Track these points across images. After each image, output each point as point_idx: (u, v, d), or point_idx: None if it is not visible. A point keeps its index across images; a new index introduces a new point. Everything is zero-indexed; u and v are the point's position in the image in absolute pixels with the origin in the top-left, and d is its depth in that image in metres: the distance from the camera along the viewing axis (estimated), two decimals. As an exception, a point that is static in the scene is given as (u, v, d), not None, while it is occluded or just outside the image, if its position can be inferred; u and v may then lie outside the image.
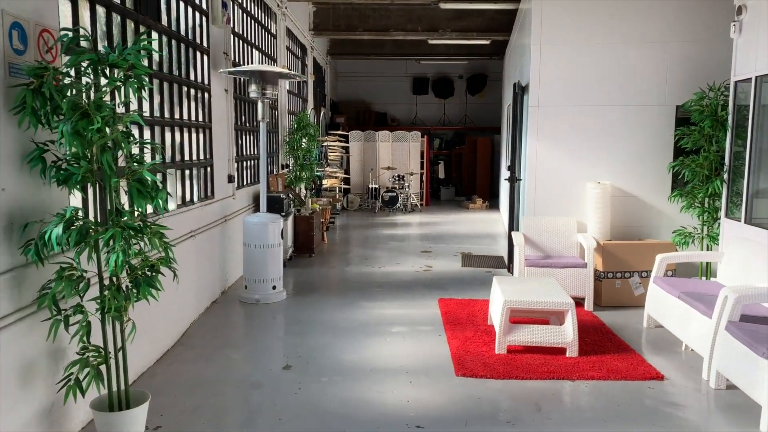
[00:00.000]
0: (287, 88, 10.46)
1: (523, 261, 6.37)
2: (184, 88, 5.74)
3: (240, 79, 7.51)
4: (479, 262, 8.56)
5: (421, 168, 15.42)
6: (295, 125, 10.04)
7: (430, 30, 13.17)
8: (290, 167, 10.28)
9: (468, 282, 7.41)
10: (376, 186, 14.41)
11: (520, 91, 7.37)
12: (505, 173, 12.62)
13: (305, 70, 12.91)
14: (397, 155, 15.21)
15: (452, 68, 18.53)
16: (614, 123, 6.86)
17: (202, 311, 6.04)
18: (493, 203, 15.14)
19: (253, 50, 8.28)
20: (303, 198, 9.71)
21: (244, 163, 7.88)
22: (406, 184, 14.27)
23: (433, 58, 16.70)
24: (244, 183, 7.83)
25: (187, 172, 5.76)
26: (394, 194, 13.95)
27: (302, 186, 10.56)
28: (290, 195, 9.33)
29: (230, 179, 6.95)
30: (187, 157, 5.74)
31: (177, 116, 5.52)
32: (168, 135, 5.29)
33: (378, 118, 18.60)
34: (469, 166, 17.62)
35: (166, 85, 5.26)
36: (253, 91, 6.37)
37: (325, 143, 12.57)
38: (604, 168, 6.92)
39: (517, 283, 5.51)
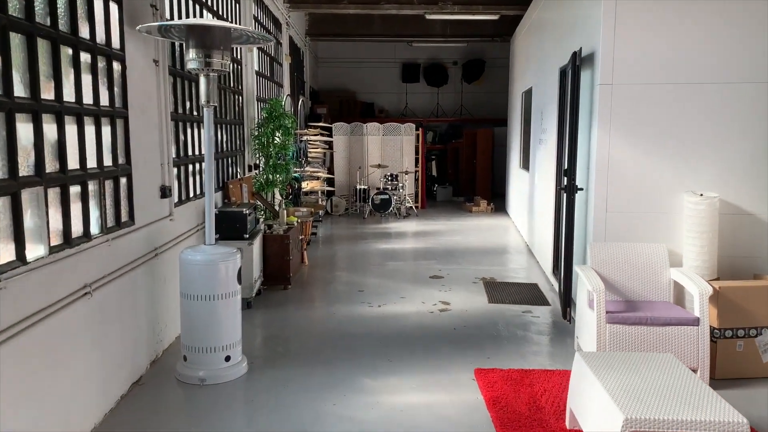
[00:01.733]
0: (255, 67, 8.14)
1: (604, 316, 4.18)
2: (69, 52, 3.43)
3: (181, 47, 5.20)
4: (511, 295, 6.36)
5: (416, 165, 13.20)
6: (266, 114, 7.73)
7: (427, 2, 10.91)
8: (260, 168, 7.97)
9: (509, 333, 5.21)
10: (365, 187, 12.15)
11: (573, 65, 5.14)
12: (516, 169, 10.42)
13: (280, 50, 10.57)
14: (389, 151, 12.94)
15: (446, 53, 16.29)
16: (725, 108, 4.68)
17: (113, 404, 3.77)
18: (498, 205, 12.98)
19: (204, 12, 5.95)
20: (277, 208, 7.43)
21: (192, 166, 5.57)
22: (400, 185, 12.04)
23: (428, 40, 14.44)
24: (191, 195, 5.52)
25: (74, 189, 3.44)
26: (387, 196, 11.71)
27: (275, 192, 8.25)
28: (258, 206, 7.03)
29: (165, 192, 4.66)
30: (73, 165, 3.43)
31: (52, 97, 3.22)
32: (26, 129, 2.98)
33: (364, 108, 16.30)
34: (467, 162, 15.42)
35: (35, 45, 2.95)
36: (191, 60, 4.07)
37: (304, 138, 10.27)
38: (707, 173, 4.74)
39: (626, 372, 3.29)
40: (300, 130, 10.63)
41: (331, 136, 12.64)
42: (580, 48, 4.92)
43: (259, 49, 8.70)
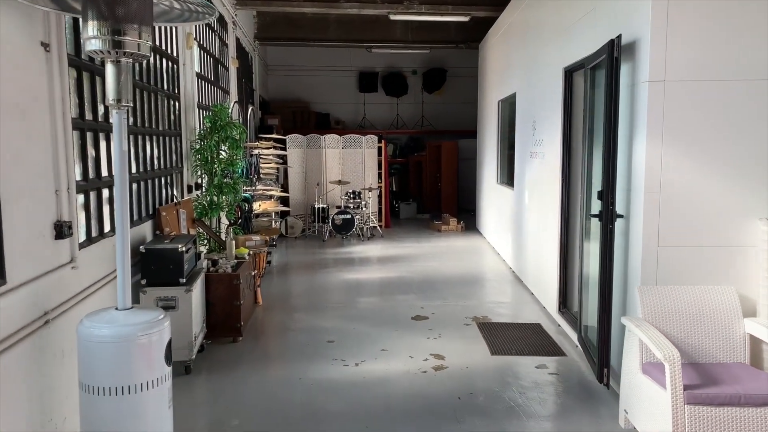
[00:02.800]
0: (196, 68, 6.77)
1: (681, 395, 3.03)
2: None
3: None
4: (515, 342, 5.19)
5: (379, 180, 11.98)
6: (209, 124, 6.37)
7: (392, 1, 9.77)
8: (202, 189, 6.59)
9: (528, 403, 4.01)
10: (324, 206, 10.83)
11: (611, 57, 4.01)
12: (492, 185, 9.33)
13: (226, 52, 9.20)
14: (350, 165, 11.68)
15: (405, 61, 15.21)
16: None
17: None
18: (468, 222, 11.88)
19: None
20: (224, 237, 6.07)
21: (108, 191, 4.16)
22: (363, 203, 10.79)
23: (388, 45, 13.29)
24: (106, 230, 4.11)
25: None
26: (349, 216, 10.43)
27: (222, 217, 6.88)
28: (201, 235, 5.66)
29: (61, 231, 3.26)
30: None
31: None
32: None
33: (319, 119, 15.01)
34: (431, 176, 14.33)
35: None
36: (92, 39, 2.72)
37: (255, 151, 8.92)
38: (787, 195, 3.69)
39: None
40: (250, 142, 9.26)
41: (285, 149, 11.30)
42: (619, 35, 3.80)
43: (201, 48, 7.33)
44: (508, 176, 8.88)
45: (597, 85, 4.49)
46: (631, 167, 3.88)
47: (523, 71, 7.35)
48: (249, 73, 11.84)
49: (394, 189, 14.69)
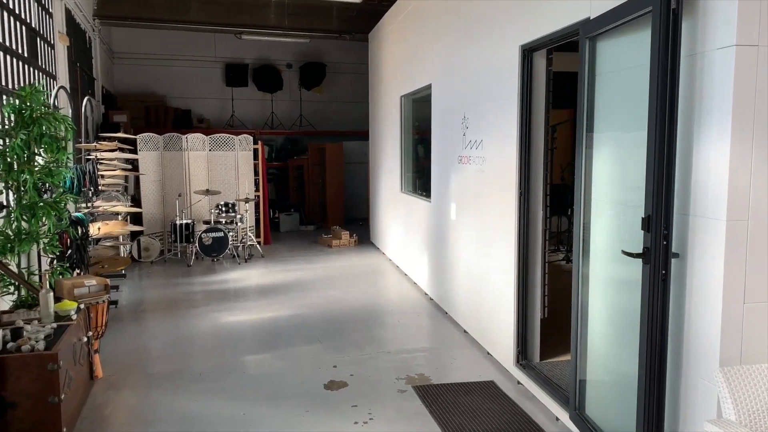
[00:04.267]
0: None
1: None
2: None
3: None
4: (477, 420, 3.74)
5: (256, 188, 10.13)
6: (10, 113, 4.29)
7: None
8: (6, 211, 4.47)
9: None
10: (189, 221, 8.80)
11: (663, 13, 2.63)
12: (394, 194, 7.93)
13: (51, 24, 6.94)
14: (219, 171, 9.71)
15: (279, 53, 13.44)
16: None
17: None
18: (361, 235, 10.39)
19: None
20: (39, 284, 4.04)
21: None
22: (238, 216, 8.90)
23: (261, 32, 11.48)
24: None
25: None
26: (221, 234, 8.51)
27: (38, 252, 4.80)
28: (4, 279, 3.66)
29: None
30: None
31: None
32: None
33: (178, 117, 12.77)
34: (314, 182, 12.68)
35: None
36: None
37: (92, 155, 6.75)
38: None
39: None
40: (86, 143, 7.07)
41: (135, 152, 9.08)
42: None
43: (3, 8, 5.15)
44: (419, 185, 7.50)
45: (605, 61, 3.16)
46: (689, 179, 2.56)
47: (442, 58, 5.98)
48: (87, 57, 9.46)
49: (273, 197, 12.86)
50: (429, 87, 6.43)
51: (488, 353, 4.86)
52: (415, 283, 7.24)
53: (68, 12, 7.88)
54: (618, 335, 3.07)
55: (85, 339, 4.00)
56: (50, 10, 6.98)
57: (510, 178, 4.34)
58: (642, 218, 2.58)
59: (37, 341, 3.33)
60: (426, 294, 6.71)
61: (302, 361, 4.76)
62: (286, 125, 13.69)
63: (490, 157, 4.73)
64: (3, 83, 5.05)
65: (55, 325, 3.63)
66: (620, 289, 3.02)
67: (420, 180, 7.51)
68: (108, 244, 6.99)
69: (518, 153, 4.23)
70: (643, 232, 2.58)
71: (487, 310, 4.86)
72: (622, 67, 3.00)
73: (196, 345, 5.22)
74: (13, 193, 4.33)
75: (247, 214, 9.23)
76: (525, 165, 4.22)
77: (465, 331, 5.41)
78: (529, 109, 4.19)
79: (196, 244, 8.50)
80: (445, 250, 5.93)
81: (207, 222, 8.78)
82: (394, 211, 8.31)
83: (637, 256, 2.62)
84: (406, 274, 7.69)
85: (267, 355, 4.92)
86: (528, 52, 4.14)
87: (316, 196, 12.65)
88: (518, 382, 4.31)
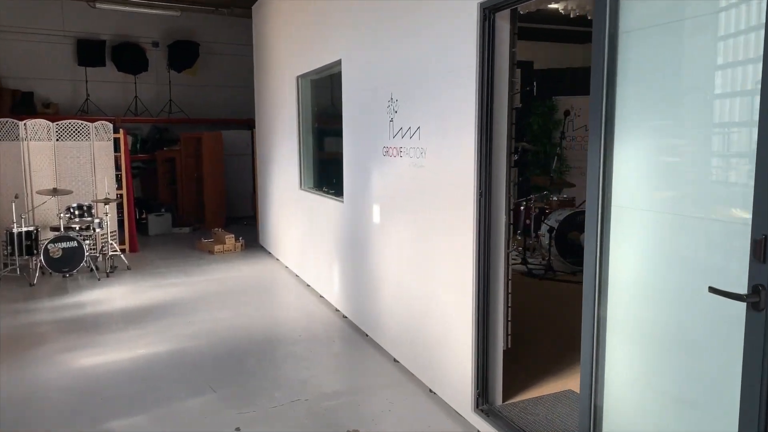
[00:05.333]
0: None
1: None
2: None
3: None
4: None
5: (119, 186, 8.46)
6: None
7: None
8: None
9: None
10: (31, 229, 7.01)
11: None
12: (290, 191, 6.81)
13: None
14: (71, 166, 7.93)
15: (142, 29, 11.65)
16: None
17: None
18: (247, 237, 9.06)
19: None
20: None
21: None
22: (96, 221, 7.26)
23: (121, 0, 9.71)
24: None
25: None
26: (74, 244, 6.85)
27: None
28: None
29: None
30: None
31: None
32: None
33: (18, 100, 10.59)
34: (189, 177, 11.08)
35: None
36: None
37: None
38: None
39: None
40: None
41: (-46, 142, 7.10)
42: None
43: None
44: (325, 181, 6.39)
45: (638, 10, 2.27)
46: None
47: (358, 27, 4.91)
48: None
49: (139, 196, 11.10)
50: (338, 63, 5.33)
51: (431, 391, 3.91)
52: (321, 296, 6.14)
53: None
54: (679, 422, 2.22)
55: None
56: None
57: (464, 175, 3.40)
58: (753, 241, 1.71)
59: None
60: (338, 311, 5.65)
61: (192, 424, 3.51)
62: (153, 112, 11.90)
63: (432, 149, 3.76)
64: None
65: None
66: (671, 344, 2.17)
67: (326, 175, 6.40)
68: None
69: (477, 144, 3.29)
70: (737, 260, 1.72)
71: (430, 339, 3.90)
72: (672, 19, 2.13)
73: (38, 408, 3.77)
74: None
75: (107, 217, 7.59)
76: (486, 159, 3.30)
77: (395, 360, 4.43)
78: (489, 89, 3.26)
79: (41, 257, 6.77)
80: (366, 260, 4.90)
81: (55, 229, 7.06)
82: (292, 210, 7.13)
83: (738, 297, 1.75)
84: (309, 286, 6.57)
85: (141, 418, 3.61)
86: (489, 12, 3.21)
87: (192, 193, 11.07)
88: (480, 434, 3.40)
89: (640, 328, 2.34)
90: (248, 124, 11.19)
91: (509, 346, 3.52)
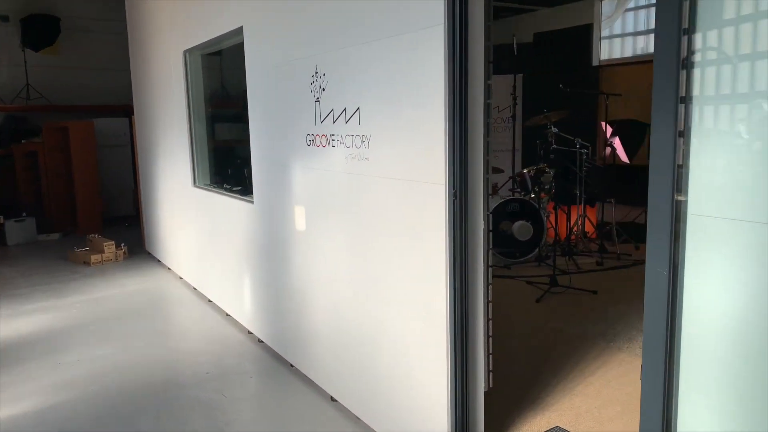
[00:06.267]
0: None
1: None
2: None
3: None
4: None
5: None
6: None
7: None
8: None
9: None
10: None
11: None
12: (181, 188, 5.70)
13: None
14: None
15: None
16: None
17: None
18: (131, 242, 7.71)
19: None
20: None
21: None
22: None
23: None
24: None
25: None
26: None
27: None
28: None
29: None
30: None
31: None
32: None
33: None
34: (54, 174, 9.38)
35: None
36: None
37: None
38: None
39: None
40: None
41: None
42: None
43: None
44: (227, 177, 5.31)
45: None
46: None
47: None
48: None
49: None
50: (239, 32, 4.27)
51: (386, 442, 3.07)
52: (228, 315, 5.09)
53: None
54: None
55: None
56: None
57: (431, 170, 2.55)
58: None
59: None
60: (251, 333, 4.64)
61: None
62: (6, 98, 10.00)
63: (379, 136, 2.87)
64: None
65: None
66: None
67: (229, 171, 5.32)
68: None
69: (449, 126, 2.45)
70: None
71: (382, 376, 3.04)
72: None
73: None
74: None
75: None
76: (462, 147, 2.47)
77: (333, 399, 3.54)
78: (463, 48, 2.42)
79: None
80: (287, 274, 3.94)
81: None
82: (185, 211, 5.96)
83: None
84: (211, 302, 5.47)
85: None
86: (462, -49, 2.36)
87: (61, 193, 9.40)
88: (463, 503, 2.61)
89: (735, 389, 1.62)
90: (126, 110, 9.67)
91: (491, 385, 2.75)
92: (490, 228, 2.62)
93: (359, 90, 2.96)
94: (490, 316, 2.68)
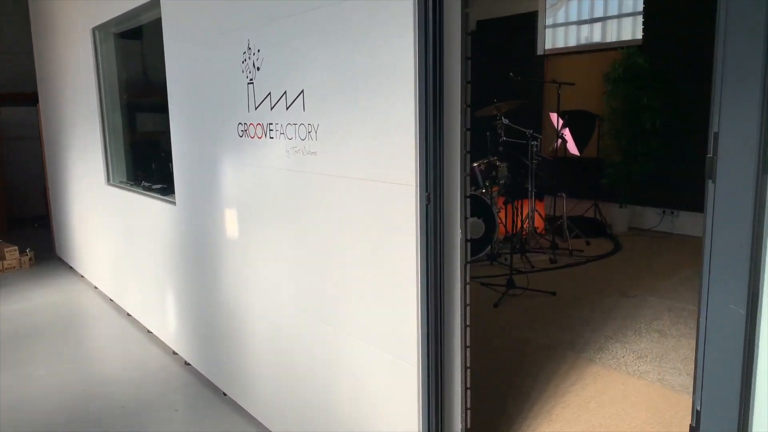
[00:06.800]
0: None
1: None
2: None
3: None
4: None
5: None
6: None
7: None
8: None
9: None
10: None
11: None
12: (91, 182, 4.97)
13: None
14: None
15: None
16: None
17: None
18: (40, 246, 6.80)
19: None
20: None
21: None
22: None
23: None
24: None
25: None
26: None
27: None
28: None
29: None
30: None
31: None
32: None
33: None
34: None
35: None
36: None
37: None
38: None
39: None
40: None
41: None
42: None
43: None
44: (147, 175, 4.60)
45: None
46: None
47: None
48: None
49: None
50: (156, 4, 3.59)
51: (342, 491, 2.55)
52: (150, 332, 4.41)
53: None
54: None
55: None
56: None
57: (397, 167, 2.04)
58: None
59: None
60: (176, 354, 4.00)
61: None
62: None
63: (329, 125, 2.32)
64: None
65: None
66: None
67: (148, 167, 4.62)
68: None
69: (418, 121, 1.94)
70: None
71: (338, 413, 2.52)
72: None
73: None
74: None
75: None
76: (436, 141, 1.97)
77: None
78: (437, 28, 1.92)
79: None
80: (218, 289, 3.34)
81: None
82: (99, 212, 5.20)
83: None
84: (130, 316, 4.76)
85: None
86: None
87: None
88: None
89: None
90: (34, 98, 8.64)
91: (469, 426, 2.28)
92: (468, 238, 2.13)
93: (303, 68, 2.41)
94: (468, 344, 2.20)
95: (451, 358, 2.18)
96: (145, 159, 4.88)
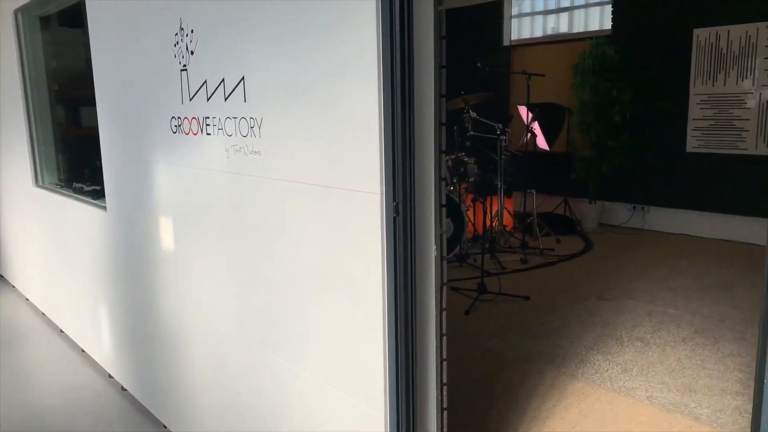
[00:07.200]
0: None
1: None
2: None
3: None
4: None
5: None
6: None
7: None
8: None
9: None
10: None
11: None
12: (16, 184, 4.44)
13: None
14: None
15: None
16: None
17: None
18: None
19: None
20: None
21: None
22: None
23: None
24: None
25: None
26: None
27: None
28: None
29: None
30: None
31: None
32: None
33: None
34: None
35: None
36: None
37: None
38: None
39: None
40: None
41: None
42: None
43: None
44: (78, 175, 4.10)
45: None
46: None
47: None
48: None
49: None
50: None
51: None
52: (83, 351, 3.93)
53: None
54: None
55: None
56: None
57: (359, 173, 1.65)
58: None
59: None
60: (111, 377, 3.54)
61: None
62: None
63: (274, 120, 1.92)
64: None
65: None
66: None
67: (82, 167, 4.11)
68: None
69: (383, 116, 1.56)
70: None
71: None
72: None
73: None
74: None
75: None
76: (406, 140, 1.59)
77: (221, 477, 2.57)
78: (407, 3, 1.54)
79: None
80: (154, 305, 2.89)
81: None
82: (27, 216, 4.66)
83: None
84: (63, 332, 4.26)
85: None
86: None
87: None
88: None
89: None
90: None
91: (447, 473, 1.92)
92: (444, 255, 1.77)
93: (243, 51, 1.99)
94: (444, 380, 1.84)
95: (425, 394, 1.81)
96: (80, 157, 4.37)
